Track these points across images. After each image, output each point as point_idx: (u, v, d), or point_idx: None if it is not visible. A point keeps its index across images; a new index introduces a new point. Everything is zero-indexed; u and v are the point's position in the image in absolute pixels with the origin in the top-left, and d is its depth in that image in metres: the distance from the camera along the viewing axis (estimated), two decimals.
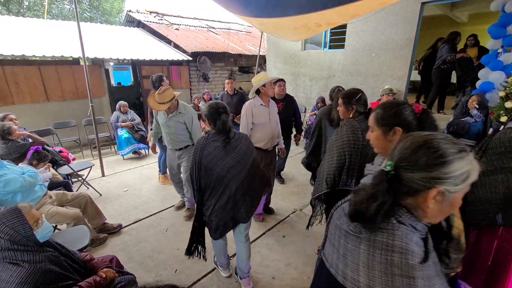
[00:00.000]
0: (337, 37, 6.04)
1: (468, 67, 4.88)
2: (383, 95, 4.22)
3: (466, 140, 4.22)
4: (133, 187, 3.95)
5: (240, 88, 8.37)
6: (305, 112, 6.00)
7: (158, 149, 3.59)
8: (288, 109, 3.62)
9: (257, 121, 2.73)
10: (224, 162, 1.74)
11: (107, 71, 7.19)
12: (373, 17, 5.04)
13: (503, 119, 3.75)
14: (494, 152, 1.47)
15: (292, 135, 3.86)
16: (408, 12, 4.76)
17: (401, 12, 4.84)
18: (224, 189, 1.78)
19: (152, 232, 2.87)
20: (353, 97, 1.95)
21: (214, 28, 10.40)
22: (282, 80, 3.62)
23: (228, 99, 4.54)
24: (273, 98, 3.73)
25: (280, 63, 7.25)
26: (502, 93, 3.83)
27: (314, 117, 5.67)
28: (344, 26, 5.66)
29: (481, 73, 4.36)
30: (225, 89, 4.57)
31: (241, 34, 10.77)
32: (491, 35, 4.07)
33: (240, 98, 4.52)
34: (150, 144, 3.35)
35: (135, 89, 8.20)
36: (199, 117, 6.10)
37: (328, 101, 5.63)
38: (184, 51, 7.35)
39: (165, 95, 2.72)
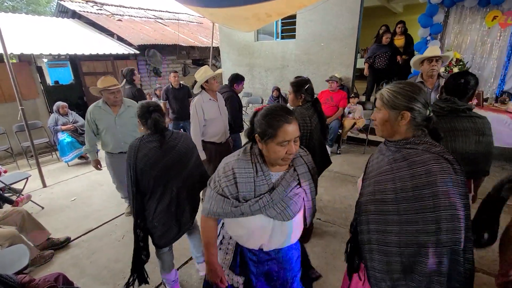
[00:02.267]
0: (288, 27, 6.14)
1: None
2: (329, 81, 4.43)
3: None
4: (81, 196, 3.60)
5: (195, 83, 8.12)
6: (262, 103, 6.05)
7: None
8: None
9: (209, 117, 2.68)
10: (161, 163, 1.64)
11: (40, 68, 6.37)
12: (320, 8, 5.21)
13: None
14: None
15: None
16: (350, 2, 5.02)
17: (344, 3, 5.08)
18: (164, 190, 1.67)
19: (107, 241, 2.66)
20: (303, 86, 2.08)
21: (162, 19, 9.82)
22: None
23: (174, 93, 4.48)
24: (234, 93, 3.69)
25: (234, 55, 7.15)
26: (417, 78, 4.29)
27: None
28: (294, 16, 5.78)
29: (414, 60, 4.83)
30: (170, 83, 4.51)
31: (192, 25, 10.35)
32: (421, 24, 4.52)
33: (186, 92, 4.52)
34: (92, 161, 2.85)
35: (77, 87, 7.42)
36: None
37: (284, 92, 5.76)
38: (129, 44, 6.82)
39: (111, 78, 2.58)
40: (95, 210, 3.22)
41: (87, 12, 7.70)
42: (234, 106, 3.29)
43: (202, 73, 2.63)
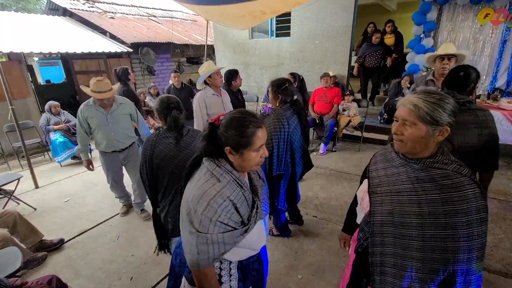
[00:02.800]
0: (283, 25, 6.13)
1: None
2: (322, 78, 4.42)
3: None
4: (75, 196, 3.54)
5: (190, 81, 8.04)
6: (257, 101, 6.04)
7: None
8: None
9: (212, 111, 2.66)
10: (177, 160, 1.64)
11: (31, 67, 6.24)
12: (315, 5, 5.21)
13: None
14: None
15: None
16: (345, 0, 5.03)
17: (338, 0, 5.09)
18: (177, 189, 1.66)
19: (102, 241, 2.63)
20: (280, 87, 2.06)
21: (155, 16, 9.70)
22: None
23: (175, 94, 4.31)
24: (230, 90, 3.68)
25: (229, 53, 7.11)
26: (424, 74, 4.34)
27: (268, 105, 5.76)
28: (289, 14, 5.76)
29: (409, 57, 4.88)
30: (171, 83, 4.35)
31: (186, 23, 10.26)
32: (414, 21, 4.55)
33: (188, 92, 4.34)
34: (84, 161, 2.75)
35: (69, 86, 7.32)
36: (148, 113, 5.71)
37: None
38: (122, 42, 6.73)
39: (105, 82, 2.51)
40: (89, 210, 3.18)
41: (79, 9, 7.56)
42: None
43: (206, 68, 2.62)
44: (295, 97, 2.17)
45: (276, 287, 2.00)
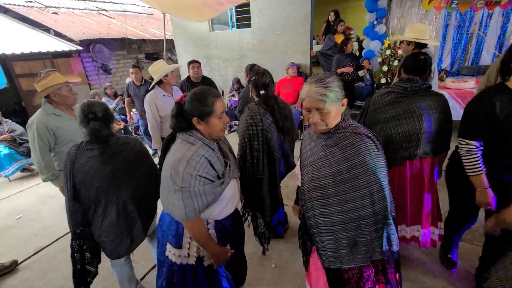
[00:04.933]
0: (243, 15, 6.03)
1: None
2: (288, 68, 4.47)
3: (360, 102, 4.95)
4: (28, 212, 3.23)
5: (152, 79, 7.65)
6: (223, 95, 5.94)
7: None
8: None
9: (164, 113, 2.55)
10: (104, 173, 1.46)
11: None
12: None
13: (383, 80, 4.51)
14: (372, 109, 1.74)
15: None
16: None
17: None
18: (108, 203, 1.50)
19: (62, 258, 2.42)
20: (251, 77, 1.92)
21: (106, 10, 9.01)
22: (195, 61, 3.48)
23: (134, 90, 4.08)
24: (190, 81, 3.54)
25: (190, 47, 6.86)
26: (379, 59, 4.56)
27: (233, 98, 5.69)
28: (248, 4, 5.67)
29: (365, 43, 5.08)
30: (130, 80, 4.10)
31: (141, 16, 9.69)
32: (367, 9, 4.73)
33: (148, 88, 4.10)
34: (60, 187, 2.08)
35: (12, 92, 6.54)
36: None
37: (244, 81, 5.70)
38: (70, 40, 6.16)
39: (56, 76, 1.98)
40: (45, 226, 2.91)
41: (15, 5, 6.74)
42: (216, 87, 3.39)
43: (160, 68, 2.48)
44: (263, 92, 1.87)
45: (252, 279, 2.01)
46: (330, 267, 1.11)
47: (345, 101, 1.06)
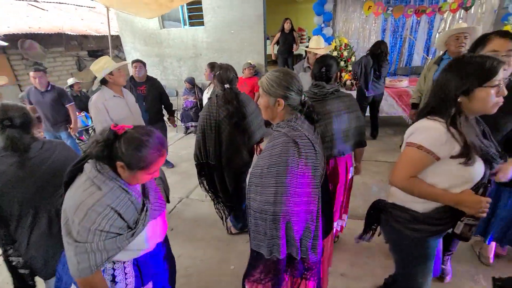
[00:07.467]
0: (195, 13, 5.88)
1: None
2: (245, 69, 4.52)
3: None
4: None
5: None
6: (177, 96, 5.73)
7: None
8: (153, 91, 3.38)
9: (116, 117, 2.27)
10: (27, 183, 1.31)
11: None
12: None
13: None
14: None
15: (166, 118, 3.67)
16: None
17: None
18: (36, 215, 1.36)
19: None
20: (215, 72, 1.97)
21: (37, 1, 7.97)
22: (137, 61, 3.31)
23: (37, 97, 3.40)
24: (133, 81, 3.33)
25: (139, 44, 6.45)
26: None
27: (188, 99, 5.52)
28: (200, 2, 5.55)
29: None
30: (32, 86, 3.44)
31: (81, 10, 8.79)
32: (315, 12, 5.01)
33: (57, 95, 3.44)
34: None
35: None
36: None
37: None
38: None
39: None
40: None
41: None
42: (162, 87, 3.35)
43: (103, 65, 2.20)
44: (227, 86, 1.95)
45: (211, 283, 1.99)
46: (252, 248, 1.17)
47: (280, 101, 1.08)
